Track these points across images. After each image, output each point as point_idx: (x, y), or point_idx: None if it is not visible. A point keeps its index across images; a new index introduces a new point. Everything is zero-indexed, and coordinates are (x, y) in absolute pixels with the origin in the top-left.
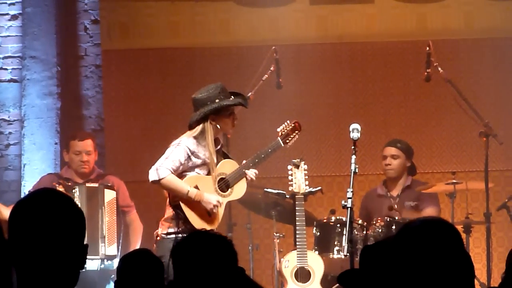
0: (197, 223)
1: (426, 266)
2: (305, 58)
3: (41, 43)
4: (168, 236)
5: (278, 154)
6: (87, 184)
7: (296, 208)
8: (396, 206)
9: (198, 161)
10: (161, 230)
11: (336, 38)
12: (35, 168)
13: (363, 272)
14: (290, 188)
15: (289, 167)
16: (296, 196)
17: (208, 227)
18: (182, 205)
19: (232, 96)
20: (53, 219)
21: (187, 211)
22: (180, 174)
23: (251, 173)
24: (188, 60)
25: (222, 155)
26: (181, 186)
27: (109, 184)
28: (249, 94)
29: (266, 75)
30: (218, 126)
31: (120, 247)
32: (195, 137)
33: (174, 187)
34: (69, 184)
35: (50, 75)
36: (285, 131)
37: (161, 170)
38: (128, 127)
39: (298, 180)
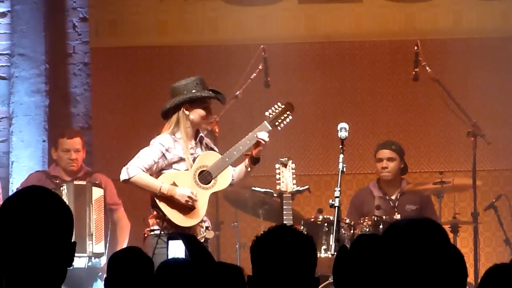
0: (177, 219)
1: (414, 265)
2: (294, 57)
3: (29, 40)
4: (151, 233)
5: (266, 153)
6: (75, 182)
7: (284, 207)
8: (396, 209)
9: (175, 157)
10: (148, 228)
11: (324, 37)
12: (23, 165)
13: (353, 261)
14: (277, 187)
15: (277, 165)
16: (284, 195)
17: (189, 223)
18: (158, 202)
19: (211, 92)
20: (41, 217)
21: (165, 208)
22: (159, 173)
23: (263, 136)
24: (176, 58)
25: (205, 147)
26: (153, 183)
27: (97, 182)
28: (237, 92)
29: (254, 74)
30: (191, 116)
31: (107, 245)
32: (171, 133)
33: (145, 184)
34: (57, 181)
35: (39, 73)
36: (274, 113)
37: (131, 168)
38: (116, 125)
39: (286, 179)
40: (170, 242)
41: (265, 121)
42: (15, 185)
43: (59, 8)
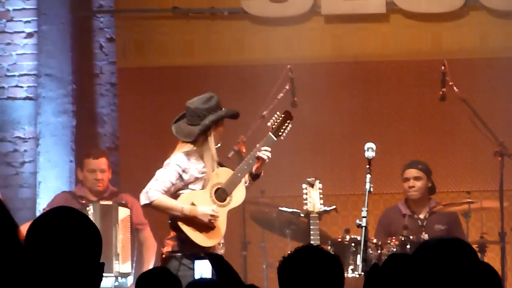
0: (199, 239)
1: (447, 285)
2: (320, 77)
3: (56, 61)
4: (173, 255)
5: (293, 173)
6: (101, 202)
7: (311, 227)
8: (424, 228)
9: (191, 178)
10: (166, 249)
11: (351, 57)
12: (50, 185)
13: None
14: (304, 207)
15: (304, 185)
16: (311, 215)
17: (211, 242)
18: (180, 224)
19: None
20: (70, 238)
21: (187, 229)
22: (174, 194)
23: (264, 153)
24: (203, 78)
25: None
26: (174, 205)
27: (123, 202)
28: (264, 112)
29: (281, 94)
30: (217, 137)
31: (134, 265)
32: (186, 153)
33: (166, 207)
34: (83, 202)
35: (65, 93)
36: (276, 123)
37: (151, 192)
38: (142, 145)
39: (313, 199)
40: (197, 262)
41: (269, 133)
42: (41, 205)
43: (86, 29)
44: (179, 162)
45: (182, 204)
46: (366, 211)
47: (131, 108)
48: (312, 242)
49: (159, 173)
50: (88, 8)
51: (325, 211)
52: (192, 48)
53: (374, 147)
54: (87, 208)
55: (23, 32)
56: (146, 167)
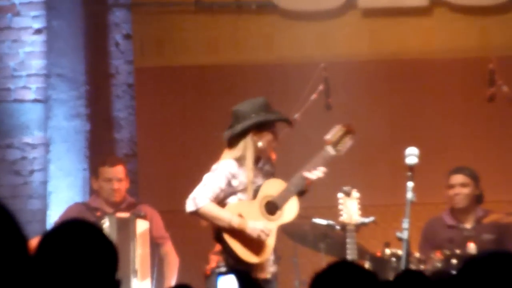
0: (245, 255)
1: None
2: (357, 76)
3: (68, 59)
4: (217, 270)
5: (327, 181)
6: (118, 214)
7: (347, 240)
8: (472, 239)
9: (241, 185)
10: (210, 265)
11: (390, 54)
12: (62, 196)
13: None
14: (340, 219)
15: (339, 195)
16: (347, 227)
17: (258, 259)
18: (225, 236)
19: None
20: (84, 253)
21: (232, 242)
22: (222, 202)
23: (314, 174)
24: (228, 78)
25: (266, 174)
26: (222, 215)
27: (141, 214)
28: (295, 116)
29: (314, 95)
30: (260, 143)
31: (154, 282)
32: (236, 159)
33: (214, 216)
34: (98, 214)
35: (78, 95)
36: (335, 137)
37: (199, 198)
38: (163, 151)
39: (349, 209)
40: (221, 278)
41: (328, 146)
42: (52, 218)
43: (100, 24)
44: (228, 167)
45: (231, 216)
46: (408, 222)
47: (150, 111)
48: (348, 257)
49: (207, 178)
50: (102, 2)
51: (363, 223)
52: (217, 45)
53: (417, 153)
54: (102, 221)
55: (31, 28)
56: (167, 176)
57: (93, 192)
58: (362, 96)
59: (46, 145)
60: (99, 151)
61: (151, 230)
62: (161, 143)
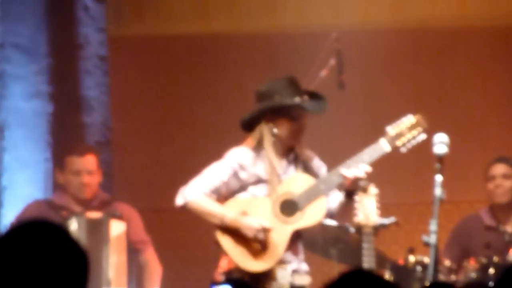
0: (243, 260)
1: None
2: (376, 49)
3: (26, 26)
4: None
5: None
6: (88, 214)
7: (364, 245)
8: None
9: (252, 178)
10: (220, 270)
11: (416, 22)
12: (19, 192)
13: None
14: (355, 219)
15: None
16: (364, 230)
17: (259, 266)
18: (219, 237)
19: (307, 96)
20: (46, 261)
21: (228, 244)
22: (232, 197)
23: (353, 171)
24: (223, 50)
25: (303, 167)
26: (214, 210)
27: (116, 214)
28: None
29: (325, 71)
30: (275, 130)
31: None
32: (254, 148)
33: (204, 212)
34: (64, 213)
35: (39, 70)
36: (398, 128)
37: (190, 191)
38: (142, 138)
39: (366, 208)
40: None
41: (383, 139)
42: (7, 218)
43: None
44: (238, 156)
45: (225, 211)
46: (436, 224)
47: (126, 90)
48: (364, 265)
49: (211, 167)
50: None
51: (383, 225)
52: (208, 10)
53: (447, 140)
54: (69, 222)
55: None
56: (147, 168)
57: (57, 187)
58: (381, 72)
59: (0, 130)
60: (64, 137)
61: (128, 233)
62: (140, 128)
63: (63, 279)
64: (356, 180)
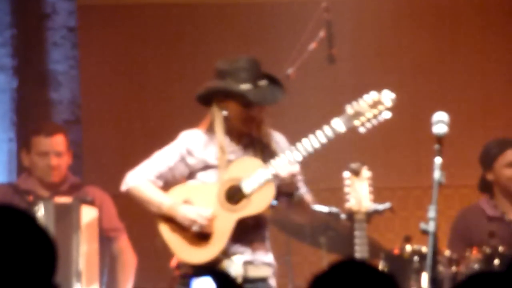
0: (183, 251)
1: None
2: (370, 20)
3: None
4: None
5: (330, 157)
6: (56, 199)
7: (356, 233)
8: None
9: (199, 163)
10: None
11: None
12: None
13: None
14: (346, 205)
15: (346, 174)
16: (356, 217)
17: (200, 257)
18: (160, 225)
19: (265, 81)
20: (10, 249)
21: (167, 234)
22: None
23: (285, 169)
24: (203, 21)
25: (261, 151)
26: (153, 198)
27: (87, 199)
28: (288, 70)
29: (313, 44)
30: (224, 112)
31: None
32: (208, 129)
33: (144, 199)
34: (30, 198)
35: (2, 42)
36: (359, 106)
37: (133, 175)
38: (115, 117)
39: (358, 193)
40: (194, 281)
41: (336, 118)
42: None
43: None
44: (187, 140)
45: (162, 199)
46: (435, 210)
47: (98, 63)
48: (357, 254)
49: (158, 152)
50: None
51: (376, 211)
52: None
53: (447, 119)
54: (36, 208)
55: None
56: (121, 149)
57: (23, 170)
58: (375, 46)
59: None
60: (30, 116)
61: (100, 220)
62: (113, 105)
63: (29, 269)
64: (291, 179)
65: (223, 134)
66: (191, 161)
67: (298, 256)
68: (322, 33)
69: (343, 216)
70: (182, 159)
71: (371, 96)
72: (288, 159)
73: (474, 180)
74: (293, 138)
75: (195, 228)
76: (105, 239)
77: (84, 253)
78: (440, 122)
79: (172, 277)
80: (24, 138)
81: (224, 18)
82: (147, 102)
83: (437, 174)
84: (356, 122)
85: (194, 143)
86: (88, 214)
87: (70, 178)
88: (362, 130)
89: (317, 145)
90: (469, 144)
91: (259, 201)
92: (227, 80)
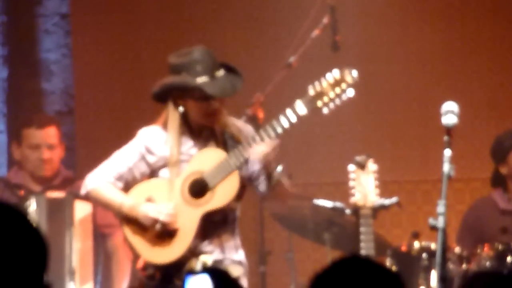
0: (148, 252)
1: None
2: (375, 5)
3: None
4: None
5: (334, 149)
6: (49, 194)
7: (361, 229)
8: None
9: (160, 161)
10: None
11: None
12: None
13: None
14: (351, 200)
15: (351, 168)
16: (361, 212)
17: (165, 257)
18: (123, 226)
19: (223, 71)
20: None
21: (131, 235)
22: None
23: (260, 149)
24: (200, 7)
25: (220, 145)
26: (114, 199)
27: (81, 194)
28: (290, 59)
29: (316, 31)
30: (181, 108)
31: (98, 287)
32: (164, 125)
33: (104, 201)
34: (21, 193)
35: None
36: (319, 87)
37: (92, 178)
38: (110, 108)
39: (364, 187)
40: (190, 278)
41: (298, 100)
42: None
43: None
44: (146, 138)
45: (122, 199)
46: (445, 205)
47: (92, 52)
48: (362, 251)
49: (117, 152)
50: None
51: (383, 206)
52: None
53: (456, 110)
54: (27, 203)
55: None
56: (115, 141)
57: (13, 163)
58: (381, 33)
59: None
60: (21, 107)
61: (94, 215)
62: (107, 95)
63: (19, 268)
64: (266, 159)
65: (178, 133)
66: (151, 159)
67: (300, 253)
68: (325, 20)
69: (348, 211)
70: (142, 158)
71: (333, 74)
72: (254, 142)
73: (485, 173)
74: (296, 129)
75: (158, 227)
76: (100, 236)
77: (77, 250)
78: (449, 113)
79: (139, 279)
80: (15, 130)
81: (223, 4)
82: (143, 92)
83: (446, 167)
84: (319, 103)
85: (153, 141)
86: (81, 210)
87: (62, 172)
88: (325, 111)
89: (279, 131)
90: (480, 136)
91: (224, 193)
92: (182, 74)
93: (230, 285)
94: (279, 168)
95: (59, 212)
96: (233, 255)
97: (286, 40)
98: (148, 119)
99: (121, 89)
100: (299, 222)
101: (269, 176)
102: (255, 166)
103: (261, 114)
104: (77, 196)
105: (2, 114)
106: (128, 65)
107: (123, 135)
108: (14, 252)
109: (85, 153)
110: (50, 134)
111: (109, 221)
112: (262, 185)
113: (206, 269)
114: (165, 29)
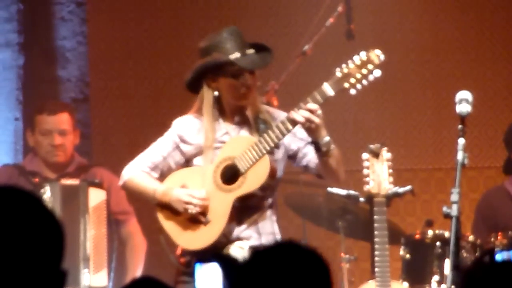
0: (182, 238)
1: None
2: None
3: None
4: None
5: (348, 137)
6: (63, 181)
7: (375, 217)
8: None
9: (194, 149)
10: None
11: None
12: None
13: None
14: (365, 188)
15: (365, 156)
16: (375, 200)
17: (199, 243)
18: (158, 213)
19: (252, 49)
20: (15, 233)
21: (165, 221)
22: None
23: (300, 115)
24: None
25: (253, 130)
26: (146, 186)
27: (96, 181)
28: (305, 47)
29: (331, 20)
30: (216, 92)
31: (112, 274)
32: (198, 113)
33: (139, 190)
34: (36, 180)
35: (7, 17)
36: (347, 68)
37: (128, 169)
38: (125, 95)
39: (378, 175)
40: (199, 266)
41: (325, 83)
42: None
43: None
44: (180, 128)
45: (156, 186)
46: (459, 193)
47: (107, 39)
48: (376, 239)
49: (154, 142)
50: None
51: (397, 194)
52: None
53: (471, 98)
54: (42, 190)
55: None
56: (131, 128)
57: (29, 150)
58: (396, 20)
59: None
60: (37, 94)
61: (109, 202)
62: (122, 83)
63: (35, 254)
64: (307, 123)
65: (213, 117)
66: (185, 148)
67: (314, 241)
68: (340, 8)
69: (362, 199)
70: (176, 147)
71: (360, 56)
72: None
73: (499, 162)
74: None
75: (190, 211)
76: (114, 223)
77: (92, 237)
78: (463, 101)
79: (177, 266)
80: (30, 117)
81: None
82: (159, 79)
83: (460, 156)
84: (346, 85)
85: (187, 130)
86: (96, 197)
87: (77, 159)
88: (352, 92)
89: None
90: (494, 124)
91: (255, 177)
92: (213, 54)
93: (240, 272)
94: (326, 137)
95: (73, 199)
96: (270, 241)
97: (301, 28)
98: (163, 107)
99: (136, 76)
100: (313, 210)
101: (316, 145)
102: (298, 143)
103: (275, 102)
104: (91, 183)
105: (18, 101)
106: (143, 53)
107: (138, 123)
108: (31, 239)
109: (100, 140)
110: (62, 119)
111: (124, 208)
112: (312, 161)
113: (215, 257)
114: (180, 17)
